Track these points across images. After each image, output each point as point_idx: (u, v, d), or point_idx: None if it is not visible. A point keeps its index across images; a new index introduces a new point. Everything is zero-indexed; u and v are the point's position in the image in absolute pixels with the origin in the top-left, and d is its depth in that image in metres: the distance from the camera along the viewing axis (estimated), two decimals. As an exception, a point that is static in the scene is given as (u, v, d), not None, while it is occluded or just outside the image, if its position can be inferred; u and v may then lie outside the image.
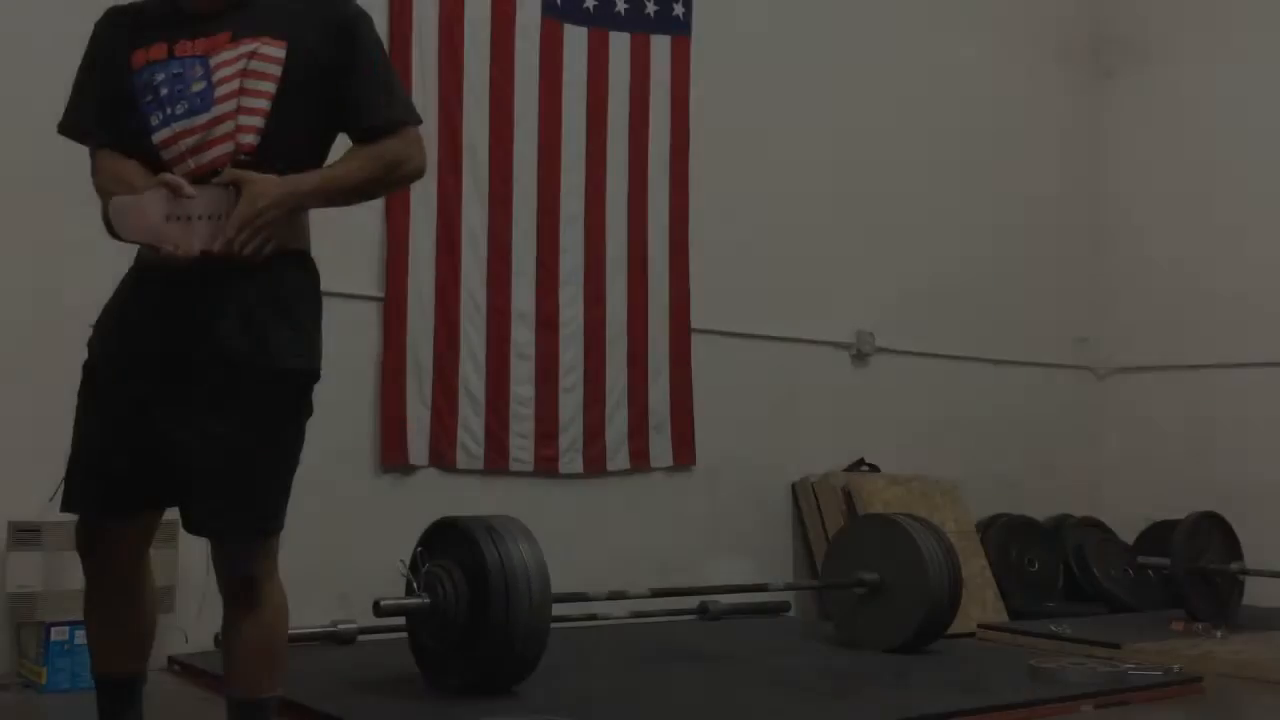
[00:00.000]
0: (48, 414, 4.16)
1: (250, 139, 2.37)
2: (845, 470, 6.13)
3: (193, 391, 2.36)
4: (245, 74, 2.37)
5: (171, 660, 4.28)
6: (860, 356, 6.42)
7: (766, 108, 6.12)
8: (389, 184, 2.58)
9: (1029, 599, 6.28)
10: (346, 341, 4.81)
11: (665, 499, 5.72)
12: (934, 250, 6.70)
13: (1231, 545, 5.94)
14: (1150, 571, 6.43)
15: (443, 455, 5.12)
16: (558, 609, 3.96)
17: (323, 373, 2.54)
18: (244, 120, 2.37)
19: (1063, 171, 7.42)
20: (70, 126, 2.53)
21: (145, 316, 2.40)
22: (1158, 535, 6.60)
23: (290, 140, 2.42)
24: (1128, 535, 6.91)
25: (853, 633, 4.97)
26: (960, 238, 6.83)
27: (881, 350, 6.48)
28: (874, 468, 6.23)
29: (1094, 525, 6.95)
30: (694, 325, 5.82)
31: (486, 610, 3.69)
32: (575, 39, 5.53)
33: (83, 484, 2.45)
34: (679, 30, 5.81)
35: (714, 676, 4.25)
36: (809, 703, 3.86)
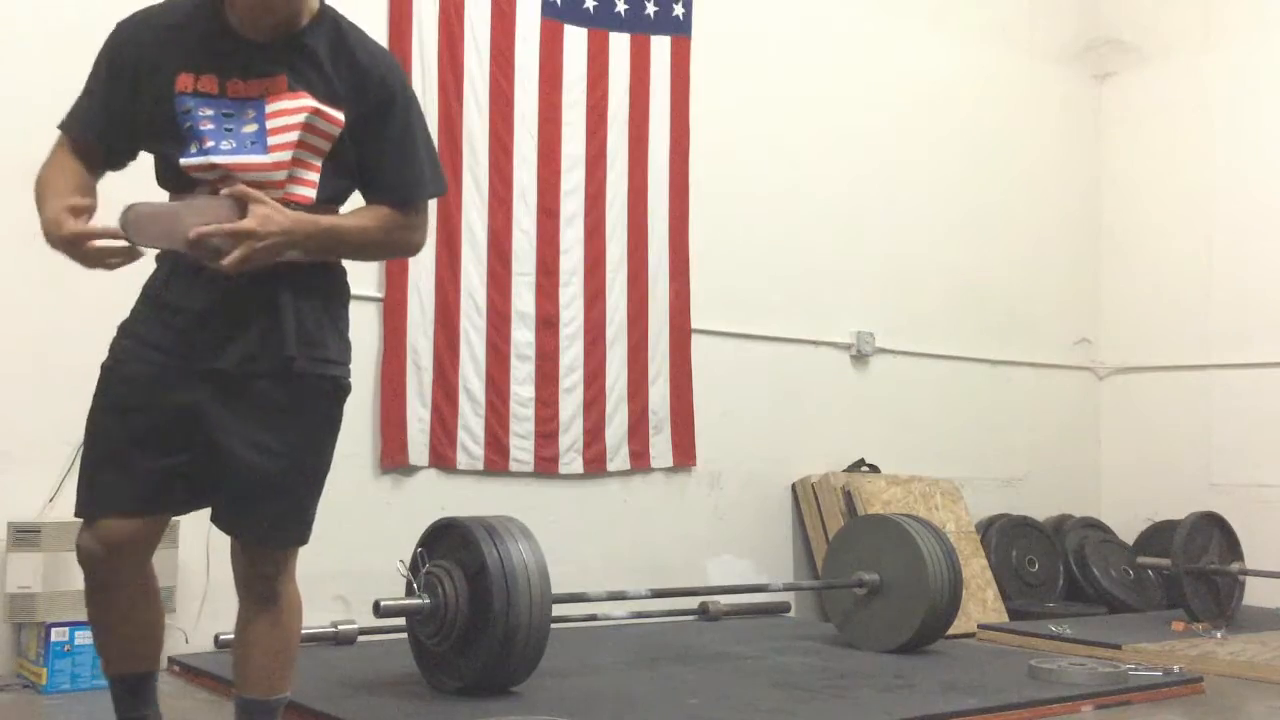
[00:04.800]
0: (48, 415, 4.18)
1: (308, 192, 2.37)
2: (845, 470, 6.13)
3: (246, 404, 2.36)
4: (306, 129, 2.35)
5: (171, 660, 4.27)
6: (860, 356, 6.42)
7: (766, 108, 6.13)
8: (388, 254, 2.59)
9: (1029, 599, 6.28)
10: (346, 342, 4.82)
11: (665, 499, 5.73)
12: (934, 251, 6.71)
13: (1231, 545, 5.94)
14: (1150, 571, 6.44)
15: (443, 456, 5.12)
16: (558, 609, 3.96)
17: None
18: (302, 174, 2.37)
19: (1062, 172, 7.42)
20: (73, 127, 2.43)
21: (190, 327, 2.36)
22: (1158, 535, 6.62)
23: (330, 200, 2.44)
24: (1128, 535, 6.91)
25: (853, 633, 4.97)
26: (960, 238, 6.84)
27: (881, 350, 6.48)
28: (874, 468, 6.23)
29: (1094, 525, 6.95)
30: (694, 325, 5.83)
31: (486, 610, 3.69)
32: (575, 39, 5.53)
33: (112, 484, 2.36)
34: (679, 30, 5.81)
35: (714, 676, 4.25)
36: (809, 703, 3.86)
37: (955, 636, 5.17)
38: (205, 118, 2.32)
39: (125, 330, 2.42)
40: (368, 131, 2.43)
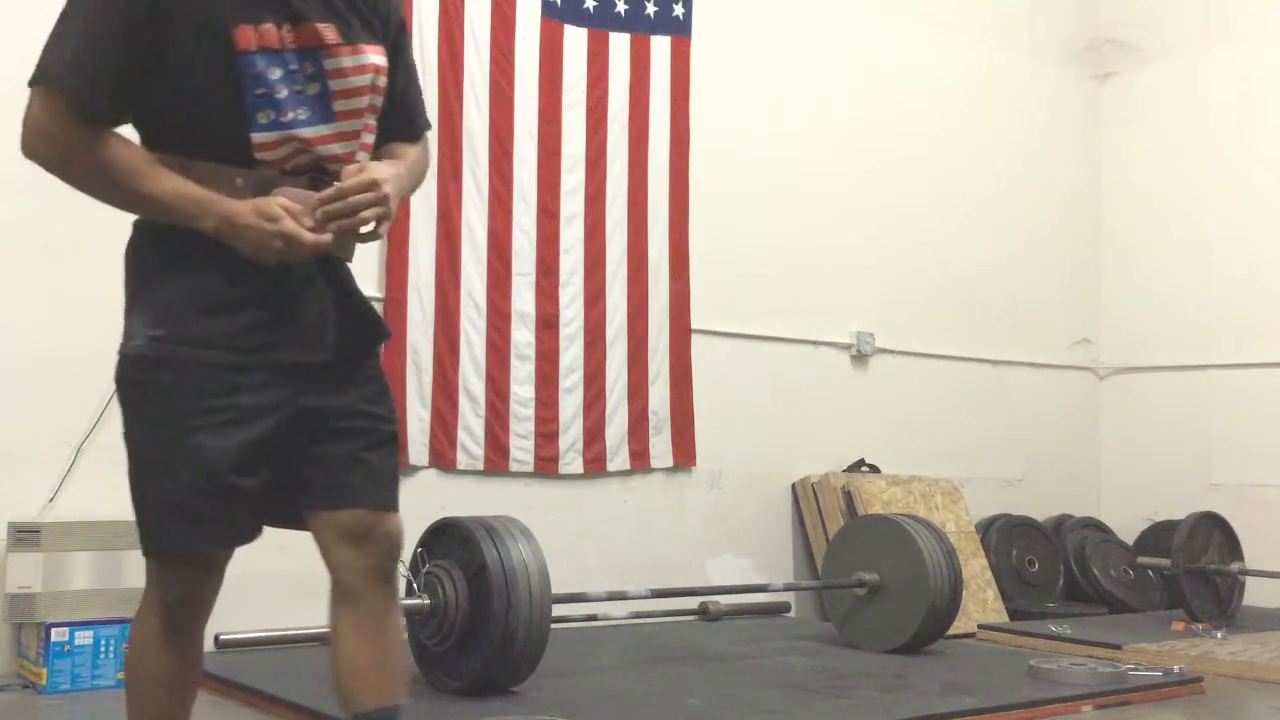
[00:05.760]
0: (48, 416, 4.19)
1: (365, 159, 2.11)
2: (845, 470, 6.13)
3: (342, 388, 2.10)
4: (373, 92, 2.07)
5: (171, 660, 4.27)
6: (860, 356, 6.42)
7: (766, 108, 6.13)
8: (414, 189, 2.36)
9: (1029, 599, 6.28)
10: (346, 342, 4.82)
11: (665, 499, 5.73)
12: (934, 250, 6.71)
13: (1231, 545, 5.94)
14: (1150, 571, 6.44)
15: (442, 456, 5.12)
16: (558, 609, 3.96)
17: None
18: (367, 139, 2.11)
19: (1063, 172, 7.43)
20: (91, 94, 1.91)
21: (261, 320, 2.03)
22: (1158, 535, 6.62)
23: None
24: (1128, 535, 6.91)
25: (853, 633, 4.97)
26: (960, 238, 6.84)
27: (881, 350, 6.48)
28: (874, 468, 6.23)
29: (1094, 525, 6.95)
30: (694, 325, 5.83)
31: (486, 611, 3.69)
32: (575, 39, 5.53)
33: (212, 514, 1.99)
34: (679, 30, 5.81)
35: (714, 676, 4.25)
36: (809, 703, 3.86)
37: (955, 636, 5.17)
38: (278, 81, 1.97)
39: (170, 335, 1.99)
40: (393, 64, 2.16)
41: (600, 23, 5.60)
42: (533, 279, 5.38)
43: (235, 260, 1.97)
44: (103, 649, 4.00)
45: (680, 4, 5.81)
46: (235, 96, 1.96)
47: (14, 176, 4.15)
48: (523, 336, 5.34)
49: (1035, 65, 7.30)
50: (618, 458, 5.57)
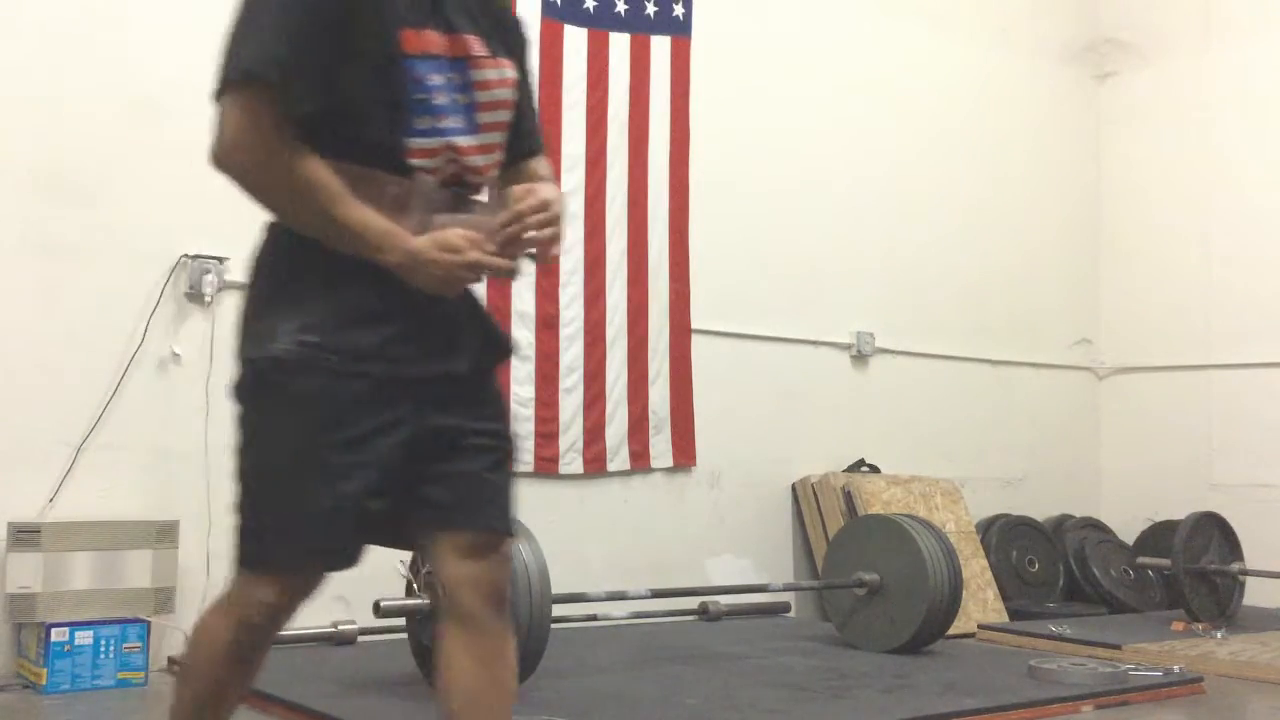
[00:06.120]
0: (48, 415, 4.19)
1: (495, 175, 2.08)
2: (845, 470, 6.13)
3: (467, 401, 2.05)
4: (510, 105, 2.05)
5: (172, 661, 4.28)
6: (860, 356, 6.43)
7: (766, 108, 6.13)
8: None
9: (1029, 599, 6.29)
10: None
11: (665, 499, 5.73)
12: (934, 251, 6.71)
13: (1231, 545, 5.94)
14: (1150, 572, 6.44)
15: (443, 456, 5.11)
16: (558, 609, 3.96)
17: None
18: (499, 155, 2.07)
19: (1063, 172, 7.43)
20: (288, 86, 1.84)
21: (405, 333, 1.97)
22: (1158, 535, 6.62)
23: None
24: (1128, 535, 6.91)
25: (853, 633, 4.97)
26: (960, 238, 6.84)
27: (881, 350, 6.48)
28: (874, 468, 6.23)
29: (1094, 525, 6.95)
30: (694, 325, 5.83)
31: (486, 610, 3.69)
32: (575, 39, 5.54)
33: (336, 535, 1.93)
34: (679, 30, 5.81)
35: (714, 676, 4.25)
36: (809, 703, 3.86)
37: (955, 636, 5.17)
38: (437, 88, 1.94)
39: (321, 341, 1.91)
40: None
41: (600, 23, 5.60)
42: (533, 279, 5.38)
43: (379, 272, 1.90)
44: (103, 649, 4.00)
45: (680, 4, 5.81)
46: (397, 100, 1.92)
47: (15, 176, 4.17)
48: (523, 336, 5.34)
49: (1035, 65, 7.30)
50: (618, 458, 5.57)
